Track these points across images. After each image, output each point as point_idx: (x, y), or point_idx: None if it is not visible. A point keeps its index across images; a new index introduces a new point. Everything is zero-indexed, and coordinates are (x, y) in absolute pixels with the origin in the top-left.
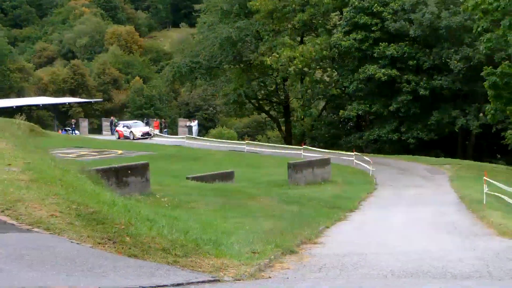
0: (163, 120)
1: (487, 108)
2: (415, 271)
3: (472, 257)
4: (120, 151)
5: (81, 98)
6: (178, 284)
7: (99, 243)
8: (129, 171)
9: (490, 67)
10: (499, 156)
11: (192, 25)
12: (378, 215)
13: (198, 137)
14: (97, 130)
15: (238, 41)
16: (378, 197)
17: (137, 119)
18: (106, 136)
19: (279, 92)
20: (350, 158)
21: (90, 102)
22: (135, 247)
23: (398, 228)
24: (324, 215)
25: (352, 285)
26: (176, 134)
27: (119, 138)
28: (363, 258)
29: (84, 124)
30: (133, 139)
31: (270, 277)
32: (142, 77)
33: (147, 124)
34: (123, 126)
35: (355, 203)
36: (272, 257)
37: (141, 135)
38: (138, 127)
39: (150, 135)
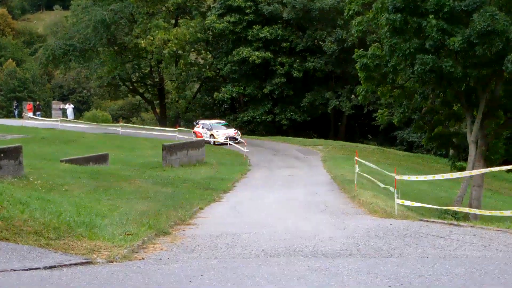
0: (36, 103)
1: (358, 89)
2: (287, 250)
3: (342, 236)
4: None
5: None
6: (51, 267)
7: None
8: (2, 154)
9: (362, 49)
10: (370, 136)
11: (66, 7)
12: (251, 195)
13: (72, 119)
14: None
15: (112, 23)
16: (252, 178)
17: (15, 102)
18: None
19: (154, 75)
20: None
21: None
22: (6, 230)
23: (271, 208)
24: (198, 196)
25: (225, 265)
26: (50, 117)
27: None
28: (236, 238)
29: None
30: (214, 144)
31: (143, 258)
32: (15, 60)
33: (16, 107)
34: (202, 127)
35: (229, 184)
36: (145, 238)
37: (225, 140)
38: (221, 130)
39: (236, 139)
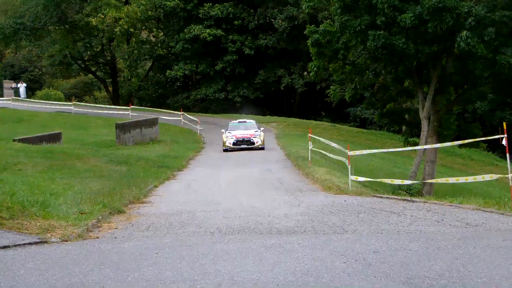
0: None
1: (310, 65)
2: (241, 227)
3: (297, 212)
4: None
5: None
6: (5, 247)
7: None
8: None
9: (313, 25)
10: (323, 113)
11: None
12: (206, 173)
13: (25, 98)
14: None
15: (62, 1)
16: (206, 156)
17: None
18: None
19: (106, 53)
20: (177, 117)
21: None
22: None
23: (226, 186)
24: (153, 174)
25: (179, 243)
26: (2, 96)
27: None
28: (191, 216)
29: None
30: (224, 150)
31: (98, 237)
32: None
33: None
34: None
35: (183, 162)
36: (100, 217)
37: (233, 144)
38: (236, 130)
39: (253, 142)
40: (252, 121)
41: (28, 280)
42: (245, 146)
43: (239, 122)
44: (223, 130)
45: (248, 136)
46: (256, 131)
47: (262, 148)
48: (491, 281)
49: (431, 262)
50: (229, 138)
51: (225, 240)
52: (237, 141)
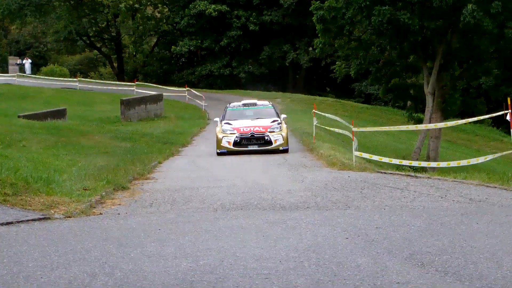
0: None
1: (315, 41)
2: (245, 204)
3: (300, 188)
4: None
5: None
6: (8, 223)
7: None
8: None
9: (318, 1)
10: (328, 89)
11: None
12: (210, 150)
13: (30, 75)
14: None
15: None
16: (211, 132)
17: None
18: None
19: (111, 29)
20: (182, 94)
21: None
22: None
23: (230, 162)
24: (157, 150)
25: (182, 219)
26: (7, 72)
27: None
28: (194, 192)
29: None
30: (219, 153)
31: (101, 214)
32: None
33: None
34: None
35: (188, 138)
36: (103, 193)
37: (236, 144)
38: (240, 121)
39: (270, 142)
40: (266, 103)
41: (31, 256)
42: (255, 147)
43: (243, 105)
44: (217, 119)
45: (261, 130)
46: (275, 121)
47: (285, 151)
48: (493, 256)
49: (433, 237)
50: (228, 133)
51: (228, 216)
52: (242, 138)
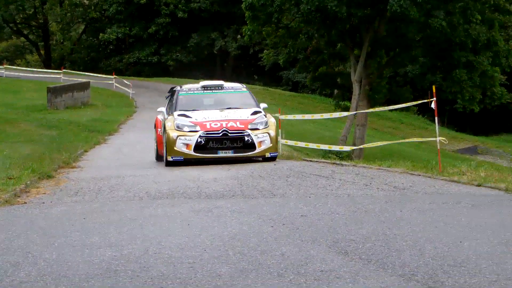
0: None
1: (244, 28)
2: (170, 192)
3: (226, 177)
4: None
5: None
6: None
7: None
8: None
9: None
10: (256, 77)
11: None
12: (137, 138)
13: None
14: None
15: None
16: (138, 120)
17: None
18: None
19: (38, 16)
20: (110, 81)
21: None
22: None
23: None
24: (83, 139)
25: (108, 207)
26: None
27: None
28: (120, 181)
29: None
30: (168, 163)
31: (25, 203)
32: None
33: None
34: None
35: (115, 127)
36: (28, 182)
37: (198, 147)
38: (203, 110)
39: (252, 145)
40: (238, 85)
41: None
42: (229, 153)
43: (203, 88)
44: (161, 109)
45: (239, 126)
46: (257, 112)
47: (273, 158)
48: (416, 244)
49: (357, 225)
50: (186, 131)
51: (154, 204)
52: (209, 139)
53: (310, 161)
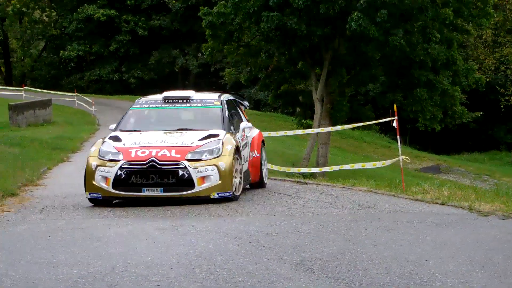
0: None
1: (204, 46)
2: (135, 210)
3: None
4: None
5: None
6: None
7: None
8: None
9: (207, 7)
10: None
11: None
12: None
13: None
14: None
15: None
16: (101, 138)
17: None
18: None
19: None
20: (71, 99)
21: None
22: None
23: None
24: (46, 156)
25: (72, 226)
26: None
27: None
28: (84, 198)
29: None
30: (89, 199)
31: None
32: None
33: None
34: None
35: (78, 144)
36: None
37: (118, 181)
38: (148, 132)
39: (178, 179)
40: (210, 98)
41: None
42: (157, 192)
43: (165, 100)
44: (112, 127)
45: (172, 156)
46: (212, 136)
47: (226, 199)
48: (381, 262)
49: (323, 244)
50: (106, 160)
51: (119, 223)
52: (131, 172)
53: (274, 179)
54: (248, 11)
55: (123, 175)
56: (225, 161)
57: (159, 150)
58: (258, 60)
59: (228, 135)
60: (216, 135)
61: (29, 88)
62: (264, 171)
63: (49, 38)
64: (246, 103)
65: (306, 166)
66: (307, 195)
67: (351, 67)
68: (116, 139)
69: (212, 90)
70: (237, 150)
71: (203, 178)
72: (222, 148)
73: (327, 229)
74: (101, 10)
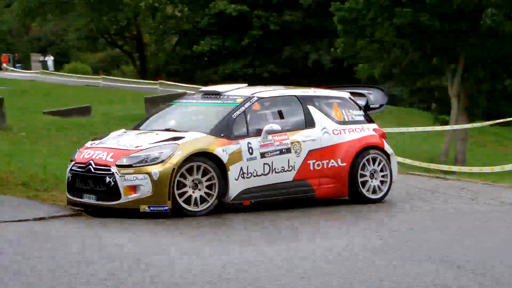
0: (15, 54)
1: (337, 41)
2: None
3: None
4: None
5: None
6: (41, 218)
7: None
8: None
9: (338, 2)
10: None
11: None
12: None
13: (53, 72)
14: None
15: None
16: None
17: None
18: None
19: (131, 28)
20: None
21: None
22: None
23: None
24: None
25: None
26: (30, 69)
27: None
28: None
29: None
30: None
31: None
32: None
33: None
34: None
35: None
36: None
37: (69, 184)
38: (132, 134)
39: (107, 188)
40: (241, 94)
41: None
42: (91, 199)
43: (202, 94)
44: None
45: (107, 160)
46: (176, 138)
47: (160, 214)
48: None
49: (468, 240)
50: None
51: None
52: (76, 175)
53: (413, 174)
54: (380, 5)
55: (70, 178)
56: (162, 169)
57: (101, 152)
58: (392, 56)
59: (203, 139)
60: (177, 138)
61: (164, 81)
62: (374, 184)
63: (182, 33)
64: (370, 98)
65: (444, 162)
66: (447, 190)
67: (487, 63)
68: (102, 138)
69: (344, 84)
70: (203, 155)
71: (130, 188)
72: (171, 154)
73: (470, 226)
74: (233, 6)
